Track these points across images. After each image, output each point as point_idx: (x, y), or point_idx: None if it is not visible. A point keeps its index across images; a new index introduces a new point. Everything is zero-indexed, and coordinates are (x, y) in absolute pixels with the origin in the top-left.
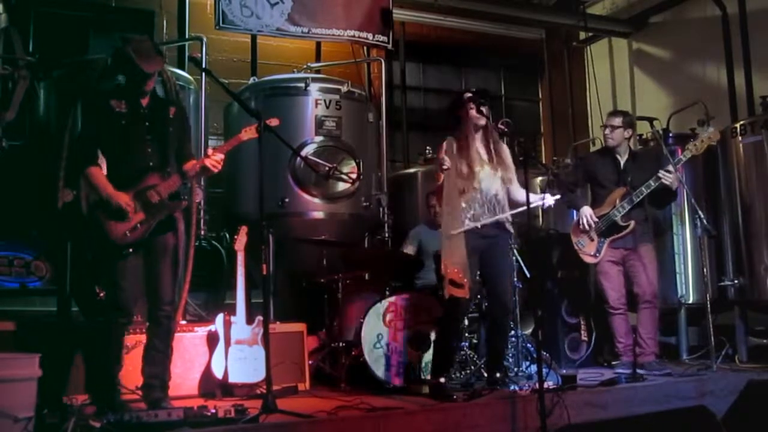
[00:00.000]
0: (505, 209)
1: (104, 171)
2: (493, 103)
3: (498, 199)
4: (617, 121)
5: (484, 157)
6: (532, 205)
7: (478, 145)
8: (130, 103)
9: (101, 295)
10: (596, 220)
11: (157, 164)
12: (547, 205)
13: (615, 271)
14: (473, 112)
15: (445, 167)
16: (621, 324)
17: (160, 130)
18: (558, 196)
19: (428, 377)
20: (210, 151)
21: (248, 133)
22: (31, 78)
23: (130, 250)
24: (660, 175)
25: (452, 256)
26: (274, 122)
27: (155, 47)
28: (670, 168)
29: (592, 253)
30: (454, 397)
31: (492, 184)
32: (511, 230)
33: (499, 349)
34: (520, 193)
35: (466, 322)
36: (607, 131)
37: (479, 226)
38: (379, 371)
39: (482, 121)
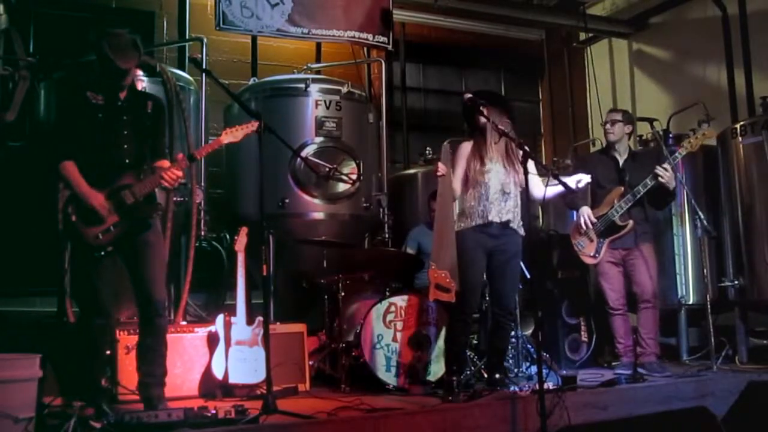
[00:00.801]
0: (513, 211)
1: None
2: (497, 101)
3: (509, 197)
4: (618, 115)
5: (496, 156)
6: (548, 195)
7: (491, 144)
8: (107, 96)
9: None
10: (594, 220)
11: (133, 162)
12: (576, 186)
13: (615, 271)
14: (476, 114)
15: (439, 174)
16: (621, 324)
17: (138, 124)
18: (586, 177)
19: (429, 378)
20: (183, 158)
21: (229, 136)
22: (31, 79)
23: (103, 253)
24: (656, 172)
25: (441, 260)
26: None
27: (132, 42)
28: (666, 165)
29: (591, 254)
30: (450, 398)
31: (503, 182)
32: (522, 233)
33: (499, 349)
34: (537, 189)
35: None
36: (608, 126)
37: (485, 221)
38: (380, 372)
39: (482, 121)
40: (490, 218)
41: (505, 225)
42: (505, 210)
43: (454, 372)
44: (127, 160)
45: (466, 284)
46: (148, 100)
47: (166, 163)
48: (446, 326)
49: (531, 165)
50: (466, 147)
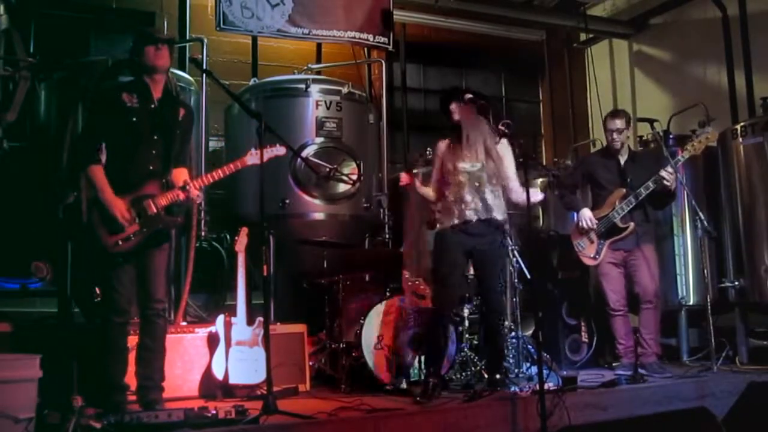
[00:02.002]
0: (492, 208)
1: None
2: (481, 99)
3: (484, 197)
4: (621, 123)
5: (471, 153)
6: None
7: (465, 143)
8: (142, 98)
9: (99, 297)
10: (596, 222)
11: (158, 169)
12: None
13: (615, 272)
14: (451, 109)
15: (402, 183)
16: (622, 325)
17: (168, 130)
18: (540, 196)
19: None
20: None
21: (254, 157)
22: (32, 79)
23: (121, 259)
24: (660, 175)
25: (412, 268)
26: (281, 151)
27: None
28: (669, 169)
29: (591, 256)
30: (418, 399)
31: (479, 179)
32: (505, 228)
33: (496, 350)
34: (516, 194)
35: (467, 323)
36: (615, 135)
37: (463, 220)
38: (380, 372)
39: (456, 117)
40: (467, 217)
41: (484, 223)
42: (483, 207)
43: (433, 374)
44: (151, 167)
45: (445, 286)
46: (180, 107)
47: (184, 172)
48: (427, 328)
49: (507, 152)
50: (442, 146)
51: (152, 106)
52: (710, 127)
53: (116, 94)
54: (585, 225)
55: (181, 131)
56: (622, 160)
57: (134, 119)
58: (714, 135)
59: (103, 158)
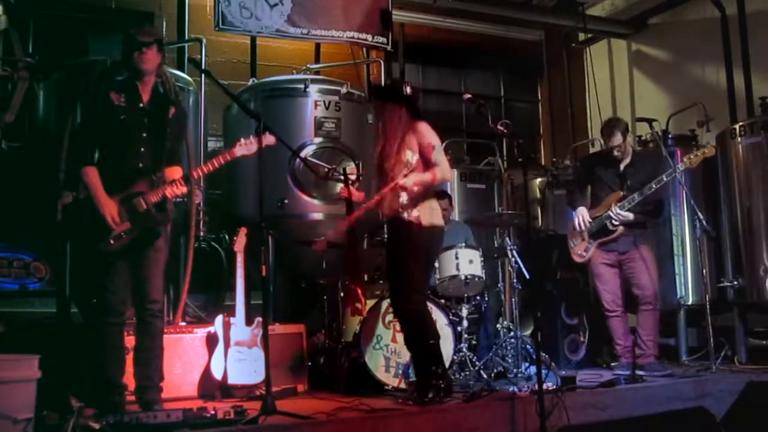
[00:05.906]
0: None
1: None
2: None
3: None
4: (619, 138)
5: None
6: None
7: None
8: (130, 97)
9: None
10: (589, 221)
11: (148, 167)
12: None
13: (610, 273)
14: None
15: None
16: (618, 326)
17: (158, 129)
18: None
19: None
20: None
21: (243, 148)
22: (30, 80)
23: (111, 258)
24: (609, 214)
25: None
26: (270, 140)
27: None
28: (618, 209)
29: (579, 253)
30: (410, 401)
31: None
32: (408, 218)
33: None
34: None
35: (466, 323)
36: (616, 152)
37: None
38: (379, 373)
39: None
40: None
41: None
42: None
43: (432, 374)
44: (141, 165)
45: None
46: (171, 106)
47: (178, 171)
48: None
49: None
50: None
51: (140, 104)
52: (709, 142)
53: (105, 93)
54: (578, 223)
55: (172, 129)
56: (623, 163)
57: (122, 117)
58: (711, 150)
59: (96, 157)
